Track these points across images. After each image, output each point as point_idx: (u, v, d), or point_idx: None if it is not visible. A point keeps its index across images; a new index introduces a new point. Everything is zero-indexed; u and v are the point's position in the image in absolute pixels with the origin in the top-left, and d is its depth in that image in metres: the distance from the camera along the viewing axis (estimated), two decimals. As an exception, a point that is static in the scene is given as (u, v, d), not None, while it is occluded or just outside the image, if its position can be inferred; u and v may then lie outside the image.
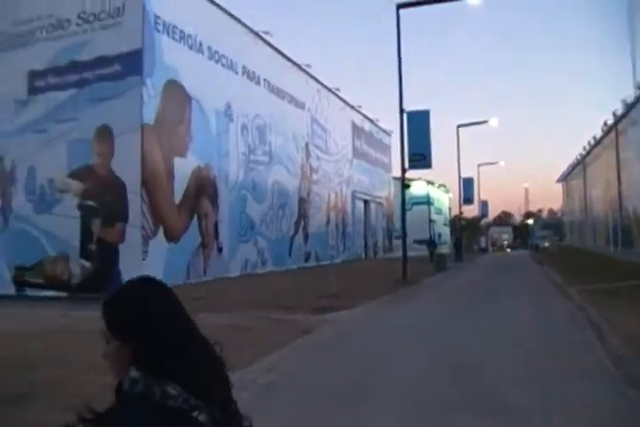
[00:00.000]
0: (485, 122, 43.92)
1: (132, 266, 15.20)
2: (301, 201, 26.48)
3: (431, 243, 34.63)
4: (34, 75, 17.43)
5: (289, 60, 25.69)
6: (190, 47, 18.16)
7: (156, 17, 16.55)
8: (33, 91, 17.44)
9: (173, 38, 17.34)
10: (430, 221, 50.28)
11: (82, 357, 8.52)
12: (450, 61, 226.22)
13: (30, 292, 16.68)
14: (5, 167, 17.83)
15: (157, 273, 15.61)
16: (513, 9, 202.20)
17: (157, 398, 1.42)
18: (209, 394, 1.48)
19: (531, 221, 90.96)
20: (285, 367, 7.60)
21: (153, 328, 1.46)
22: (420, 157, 22.36)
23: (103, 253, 15.86)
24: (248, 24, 21.93)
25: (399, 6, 20.87)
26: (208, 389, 1.49)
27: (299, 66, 26.72)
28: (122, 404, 1.47)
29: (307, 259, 26.59)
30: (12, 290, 16.91)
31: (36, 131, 17.14)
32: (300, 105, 26.62)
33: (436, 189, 61.86)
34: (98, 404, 1.43)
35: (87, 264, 16.14)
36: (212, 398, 1.49)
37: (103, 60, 16.26)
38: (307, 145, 27.32)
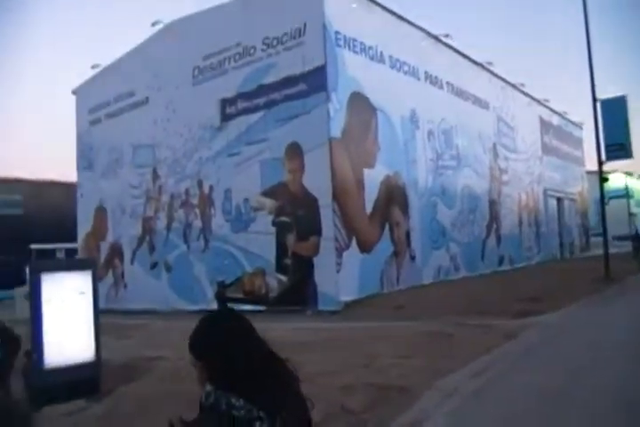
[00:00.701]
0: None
1: (327, 278, 15.45)
2: (492, 203, 25.40)
3: (637, 237, 31.32)
4: (225, 102, 18.49)
5: (470, 60, 24.86)
6: (371, 58, 18.15)
7: (336, 33, 16.75)
8: (225, 117, 18.50)
9: (354, 51, 17.42)
10: (630, 215, 46.20)
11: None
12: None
13: (230, 306, 17.47)
14: (204, 191, 18.98)
15: (352, 284, 15.70)
16: None
17: (223, 408, 1.77)
18: (273, 406, 1.79)
19: None
20: (490, 373, 7.37)
21: (222, 353, 1.86)
22: (618, 147, 20.54)
23: (298, 267, 16.24)
24: (426, 28, 21.52)
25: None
26: (271, 401, 1.79)
27: (481, 65, 25.76)
28: (199, 413, 1.86)
29: (500, 262, 25.40)
30: (214, 305, 17.90)
31: (231, 154, 18.14)
32: (484, 105, 25.63)
33: (636, 180, 56.63)
34: None
35: (284, 278, 16.62)
36: (277, 409, 1.79)
37: (288, 81, 16.79)
38: (494, 145, 26.20)
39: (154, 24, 21.42)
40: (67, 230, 29.73)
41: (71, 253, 28.98)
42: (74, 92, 26.15)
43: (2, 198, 41.99)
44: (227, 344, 1.88)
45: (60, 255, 30.87)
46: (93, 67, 24.41)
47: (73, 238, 26.63)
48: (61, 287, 9.21)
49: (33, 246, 31.96)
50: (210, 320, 2.00)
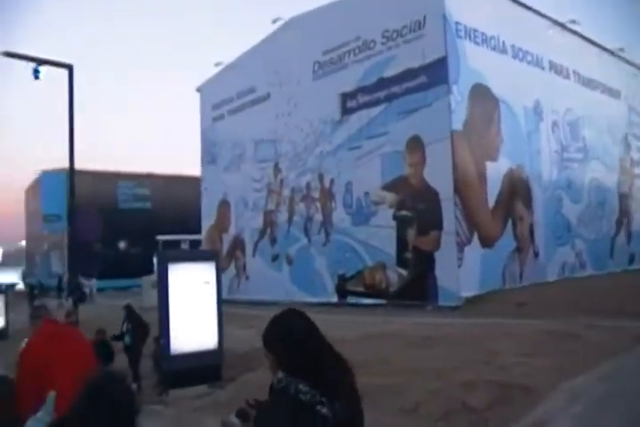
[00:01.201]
0: None
1: (447, 273, 15.30)
2: (622, 197, 24.04)
3: None
4: (345, 96, 18.66)
5: (599, 46, 23.62)
6: (493, 48, 17.71)
7: (457, 24, 16.48)
8: (346, 111, 18.67)
9: (475, 42, 17.07)
10: None
11: (405, 361, 8.62)
12: None
13: (351, 300, 17.74)
14: (325, 184, 19.27)
15: (473, 279, 15.44)
16: None
17: (292, 392, 2.09)
18: (332, 393, 2.10)
19: None
20: (619, 378, 7.01)
21: (290, 345, 2.18)
22: None
23: (419, 262, 16.16)
24: (550, 15, 20.68)
25: None
26: (331, 389, 2.11)
27: (610, 52, 24.42)
28: (270, 395, 2.20)
29: (631, 261, 23.98)
30: (334, 298, 18.19)
31: (351, 148, 18.28)
32: (614, 94, 24.28)
33: None
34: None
35: (404, 272, 16.59)
36: (335, 396, 2.10)
37: (409, 74, 16.72)
38: (625, 136, 24.79)
39: (274, 21, 21.96)
40: (191, 223, 31.21)
41: (195, 244, 30.34)
42: (198, 90, 27.26)
43: (133, 193, 44.56)
44: (292, 339, 2.19)
45: (185, 247, 32.39)
46: (216, 64, 25.33)
47: (197, 231, 27.87)
48: (187, 277, 9.67)
49: (159, 238, 33.73)
50: (278, 319, 2.30)
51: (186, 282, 9.58)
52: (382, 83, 17.52)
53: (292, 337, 2.21)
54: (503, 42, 18.10)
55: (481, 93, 16.84)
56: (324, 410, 2.06)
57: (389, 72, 17.36)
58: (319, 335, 2.28)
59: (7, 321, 20.10)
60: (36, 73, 17.76)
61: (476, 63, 16.76)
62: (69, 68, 18.89)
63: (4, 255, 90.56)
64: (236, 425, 2.27)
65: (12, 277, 58.39)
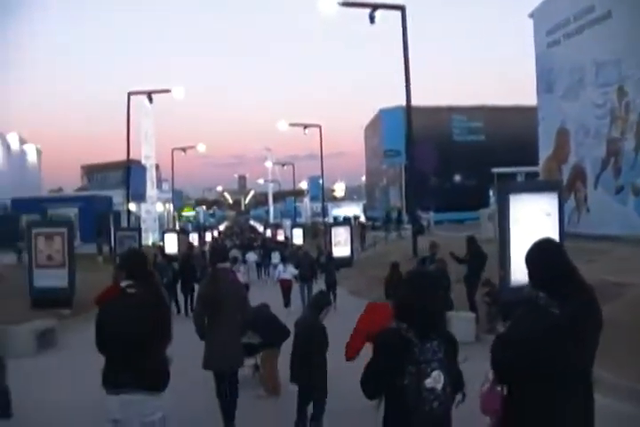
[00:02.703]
0: None
1: None
2: None
3: None
4: None
5: None
6: None
7: None
8: None
9: None
10: None
11: None
12: None
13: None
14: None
15: None
16: None
17: (534, 298, 2.99)
18: (564, 300, 2.89)
19: None
20: None
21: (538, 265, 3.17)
22: None
23: None
24: None
25: None
26: (563, 298, 2.90)
27: None
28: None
29: None
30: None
31: None
32: None
33: None
34: None
35: None
36: (565, 302, 2.88)
37: None
38: None
39: None
40: (526, 154, 30.45)
41: (531, 176, 29.64)
42: (530, 16, 25.95)
43: (466, 126, 45.05)
44: (542, 261, 3.17)
45: (520, 179, 31.85)
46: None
47: (532, 162, 27.15)
48: (528, 208, 9.45)
49: (494, 170, 33.69)
50: (542, 244, 3.35)
51: (527, 213, 9.38)
52: None
53: (541, 259, 3.15)
54: None
55: None
56: (555, 310, 2.88)
57: None
58: (564, 261, 3.10)
59: (352, 250, 23.82)
60: (371, 18, 18.85)
61: None
62: (402, 9, 19.61)
63: (347, 190, 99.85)
64: None
65: (354, 210, 64.47)
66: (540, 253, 3.17)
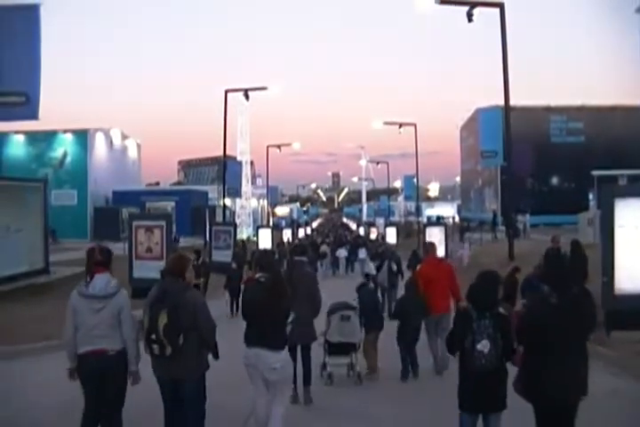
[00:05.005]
0: None
1: None
2: None
3: None
4: None
5: None
6: None
7: None
8: None
9: None
10: None
11: None
12: None
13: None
14: None
15: None
16: None
17: (540, 289, 5.50)
18: (563, 293, 4.24)
19: None
20: None
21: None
22: None
23: None
24: None
25: None
26: (563, 291, 4.24)
27: None
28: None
29: None
30: None
31: None
32: None
33: None
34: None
35: None
36: (564, 295, 4.22)
37: None
38: None
39: None
40: (628, 157, 29.19)
41: (634, 179, 28.41)
42: (637, 11, 24.83)
43: (565, 127, 43.58)
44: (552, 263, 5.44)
45: (622, 182, 30.56)
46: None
47: (635, 164, 26.03)
48: (635, 213, 9.07)
49: (594, 173, 32.45)
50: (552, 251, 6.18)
51: (633, 218, 9.03)
52: None
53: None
54: None
55: None
56: (553, 300, 4.16)
57: None
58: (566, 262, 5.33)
59: (446, 252, 22.82)
60: (469, 15, 18.66)
61: None
62: (500, 6, 19.31)
63: (441, 190, 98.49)
64: None
65: (448, 210, 63.40)
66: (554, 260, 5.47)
